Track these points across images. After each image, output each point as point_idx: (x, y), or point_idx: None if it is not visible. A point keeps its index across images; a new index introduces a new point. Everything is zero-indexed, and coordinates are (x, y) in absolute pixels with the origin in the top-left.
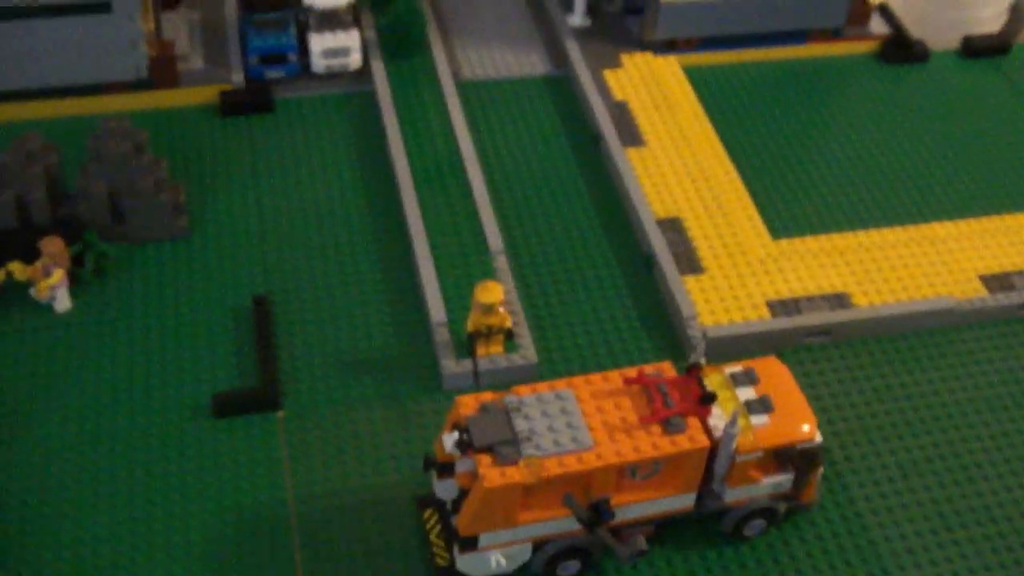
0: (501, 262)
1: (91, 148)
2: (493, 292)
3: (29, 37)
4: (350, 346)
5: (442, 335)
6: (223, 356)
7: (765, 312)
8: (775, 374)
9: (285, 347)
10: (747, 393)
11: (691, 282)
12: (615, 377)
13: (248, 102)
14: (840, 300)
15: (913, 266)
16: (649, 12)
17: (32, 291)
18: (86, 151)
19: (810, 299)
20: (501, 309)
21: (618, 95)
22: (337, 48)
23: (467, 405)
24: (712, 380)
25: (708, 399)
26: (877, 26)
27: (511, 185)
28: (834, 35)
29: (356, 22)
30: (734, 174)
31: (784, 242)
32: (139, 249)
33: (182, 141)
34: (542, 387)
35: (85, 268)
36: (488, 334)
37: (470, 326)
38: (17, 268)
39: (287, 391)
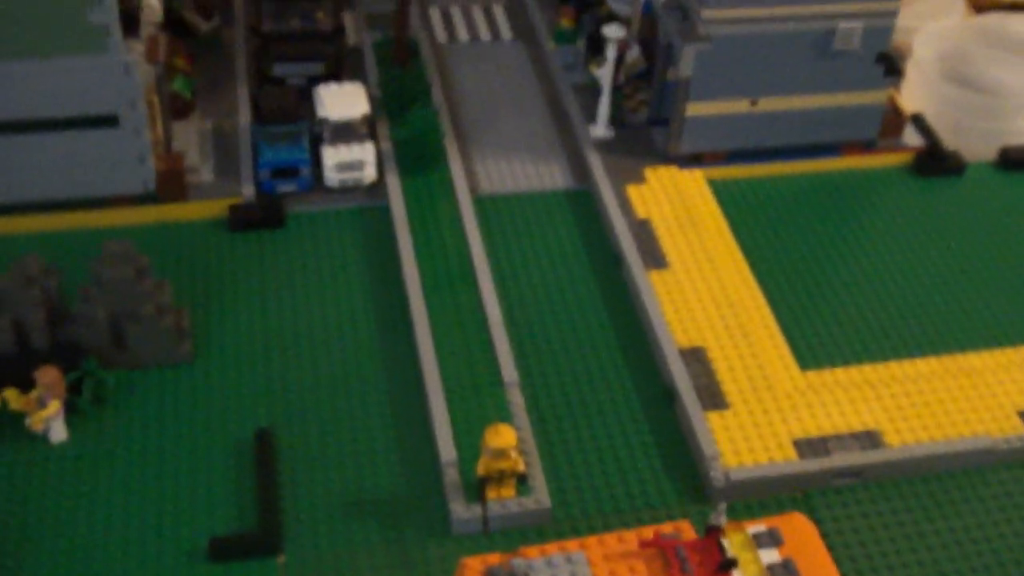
0: (515, 395)
1: (92, 272)
2: (505, 436)
3: (33, 151)
4: (355, 485)
5: (451, 476)
6: (222, 494)
7: (791, 452)
8: (801, 534)
9: (288, 485)
10: (771, 556)
11: (714, 418)
12: (631, 538)
13: (258, 217)
14: (871, 438)
15: (948, 401)
16: (674, 124)
17: (27, 422)
18: (87, 272)
19: (839, 437)
20: (513, 453)
21: (641, 212)
22: (351, 162)
23: (473, 569)
24: (734, 540)
25: (728, 566)
26: (911, 138)
27: (527, 309)
28: (867, 147)
29: (371, 135)
30: (760, 298)
31: (812, 374)
32: (140, 376)
33: (189, 257)
34: (552, 548)
35: (83, 397)
36: (500, 478)
37: (481, 470)
38: (12, 397)
39: (288, 533)
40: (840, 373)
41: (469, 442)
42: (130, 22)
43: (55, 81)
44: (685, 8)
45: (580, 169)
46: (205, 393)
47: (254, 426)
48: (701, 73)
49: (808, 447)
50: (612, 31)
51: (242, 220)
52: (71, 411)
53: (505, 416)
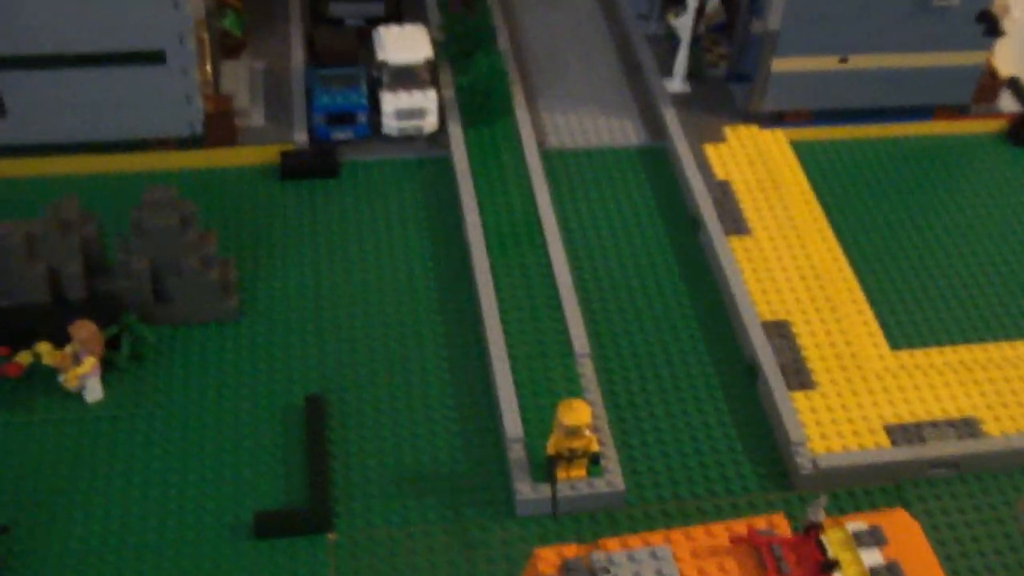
0: (587, 368)
1: (133, 221)
2: (579, 413)
3: (73, 87)
4: (412, 459)
5: (516, 453)
6: (269, 464)
7: (883, 438)
8: (905, 533)
9: (340, 456)
10: (873, 557)
11: (800, 399)
12: (720, 532)
13: (311, 165)
14: (969, 426)
15: None
16: (758, 81)
17: (60, 379)
18: (127, 219)
19: (935, 424)
20: (587, 431)
21: (720, 173)
22: (412, 109)
23: (547, 561)
24: (832, 538)
25: (829, 567)
26: (1007, 103)
27: (598, 274)
28: (960, 112)
29: (434, 81)
30: (848, 270)
31: (904, 354)
32: (182, 332)
33: (237, 206)
34: (634, 542)
35: (121, 353)
36: (571, 458)
37: (551, 448)
38: (45, 351)
39: (339, 510)
40: (934, 354)
41: (536, 416)
42: None
43: (97, 11)
44: None
45: (654, 125)
46: (251, 353)
47: (304, 391)
48: (789, 26)
49: (901, 433)
50: None
51: (294, 168)
52: (108, 368)
53: (575, 390)
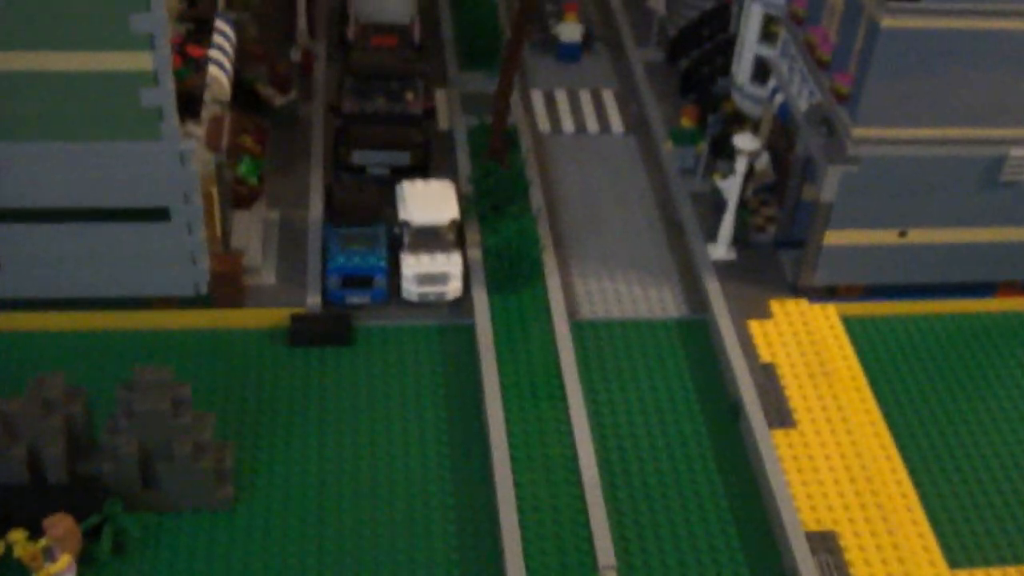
0: None
1: (121, 401)
2: None
3: (72, 242)
4: None
5: None
6: None
7: None
8: None
9: None
10: None
11: None
12: None
13: (323, 332)
14: None
15: None
16: (809, 252)
17: None
18: (116, 399)
19: None
20: None
21: (765, 355)
22: (434, 274)
23: None
24: None
25: None
26: None
27: (628, 466)
28: None
29: (460, 243)
30: (902, 472)
31: (964, 573)
32: (170, 521)
33: (241, 373)
34: None
35: (101, 546)
36: None
37: None
38: (19, 541)
39: None
40: (998, 575)
41: None
42: (191, 101)
43: (101, 167)
44: (831, 121)
45: (695, 295)
46: (244, 548)
47: None
48: (845, 198)
49: None
50: (745, 142)
51: (305, 333)
52: (86, 561)
53: None
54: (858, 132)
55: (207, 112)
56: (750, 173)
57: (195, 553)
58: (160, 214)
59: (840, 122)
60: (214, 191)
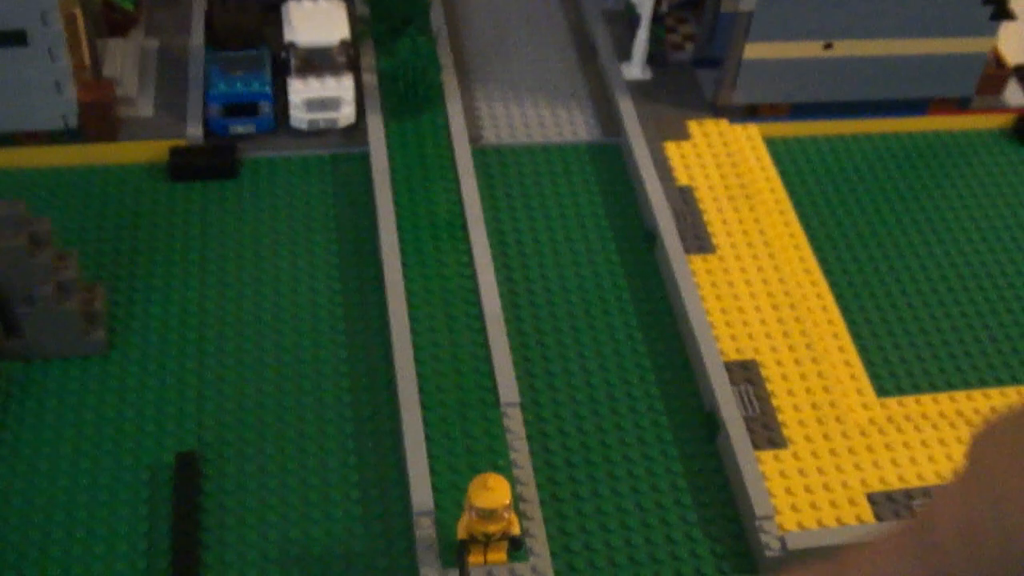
0: (514, 420)
1: None
2: (496, 494)
3: None
4: (300, 535)
5: (425, 530)
6: (128, 537)
7: (867, 511)
8: None
9: (213, 530)
10: None
11: (768, 460)
12: None
13: (204, 164)
14: None
15: None
16: (728, 68)
17: None
18: None
19: (927, 493)
20: (507, 512)
21: (682, 177)
22: (325, 99)
23: None
24: None
25: None
26: (1013, 96)
27: (534, 299)
28: (961, 106)
29: (352, 66)
30: (829, 297)
31: (893, 402)
32: (36, 369)
33: (115, 213)
34: None
35: None
36: (487, 542)
37: (462, 532)
38: None
39: None
40: (928, 402)
41: (451, 483)
42: None
43: None
44: None
45: (608, 118)
46: (117, 397)
47: (177, 446)
48: (766, 6)
49: (888, 504)
50: None
51: (185, 167)
52: None
53: (500, 448)
54: None
55: None
56: None
57: (65, 402)
58: (16, 37)
59: None
60: (78, 12)
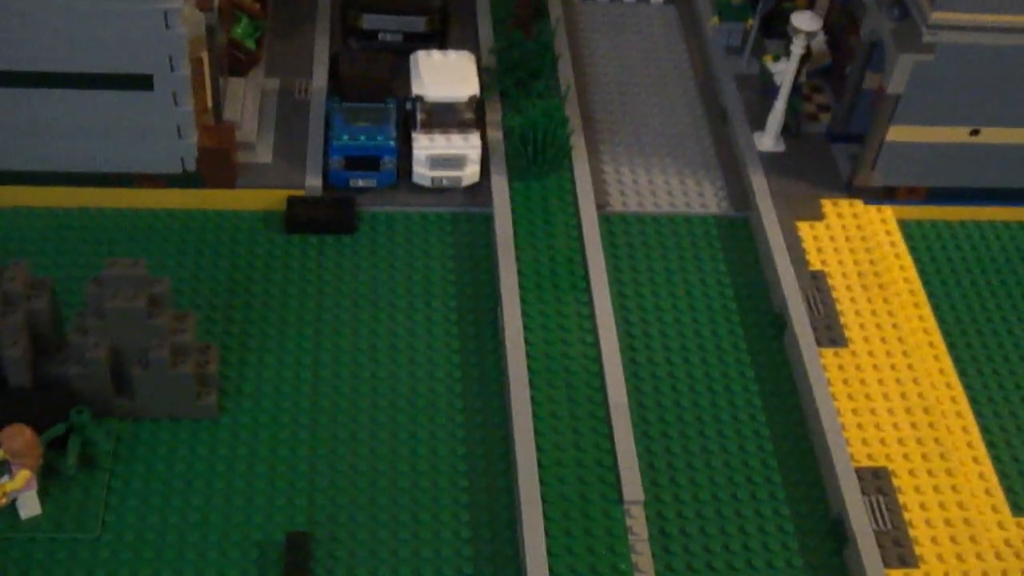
0: (638, 521)
1: (90, 298)
2: None
3: (48, 109)
4: None
5: None
6: None
7: None
8: None
9: None
10: None
11: None
12: None
13: (323, 217)
14: None
15: None
16: (868, 150)
17: None
18: (85, 294)
19: None
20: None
21: (814, 261)
22: (450, 157)
23: None
24: None
25: None
26: None
27: (659, 385)
28: None
29: (479, 123)
30: (963, 401)
31: None
32: (146, 430)
33: (229, 262)
34: None
35: (67, 459)
36: None
37: None
38: None
39: None
40: None
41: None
42: None
43: (79, 27)
44: (905, 3)
45: (738, 190)
46: (227, 466)
47: (286, 524)
48: (914, 89)
49: None
50: (804, 21)
51: (303, 218)
52: (51, 475)
53: (622, 550)
54: (936, 16)
55: None
56: (806, 56)
57: (173, 467)
58: (143, 82)
59: (915, 4)
60: (204, 56)
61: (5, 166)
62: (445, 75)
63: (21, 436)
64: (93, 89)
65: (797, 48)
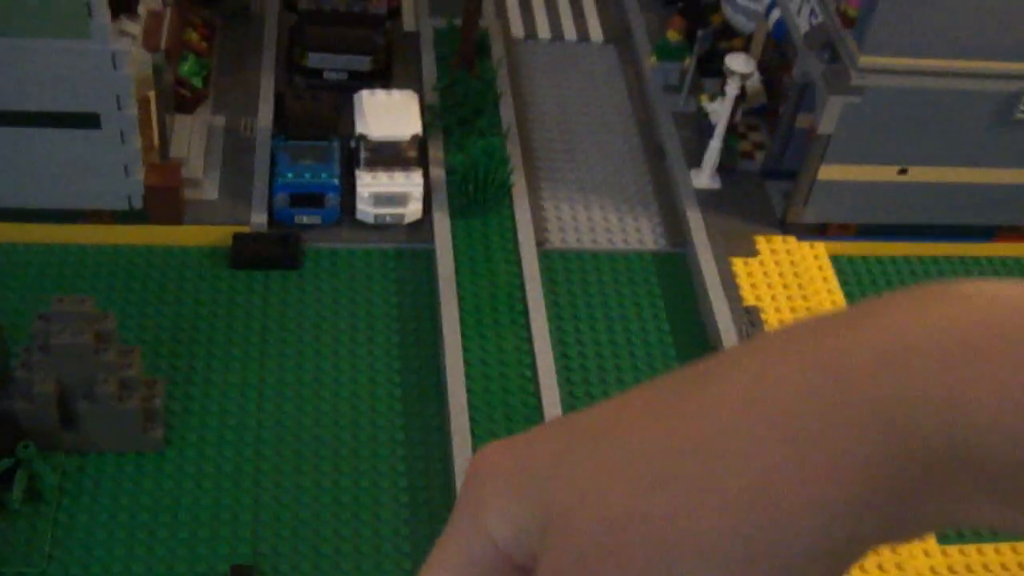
0: None
1: (37, 334)
2: None
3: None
4: None
5: None
6: None
7: None
8: None
9: None
10: None
11: None
12: None
13: (268, 253)
14: None
15: None
16: (800, 186)
17: None
18: (32, 330)
19: None
20: None
21: (748, 297)
22: (393, 194)
23: None
24: None
25: None
26: None
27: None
28: None
29: (421, 162)
30: None
31: (955, 551)
32: (92, 464)
33: (175, 298)
34: None
35: (13, 493)
36: None
37: None
38: None
39: None
40: (991, 553)
41: None
42: None
43: (23, 67)
44: (835, 47)
45: (675, 227)
46: (172, 500)
47: (230, 556)
48: (844, 130)
49: None
50: (738, 63)
51: (248, 254)
52: None
53: None
54: (865, 60)
55: (145, 6)
56: (741, 96)
57: (118, 500)
58: (89, 120)
59: (845, 48)
60: (151, 96)
61: None
62: (388, 114)
63: None
64: (41, 127)
65: (731, 89)
